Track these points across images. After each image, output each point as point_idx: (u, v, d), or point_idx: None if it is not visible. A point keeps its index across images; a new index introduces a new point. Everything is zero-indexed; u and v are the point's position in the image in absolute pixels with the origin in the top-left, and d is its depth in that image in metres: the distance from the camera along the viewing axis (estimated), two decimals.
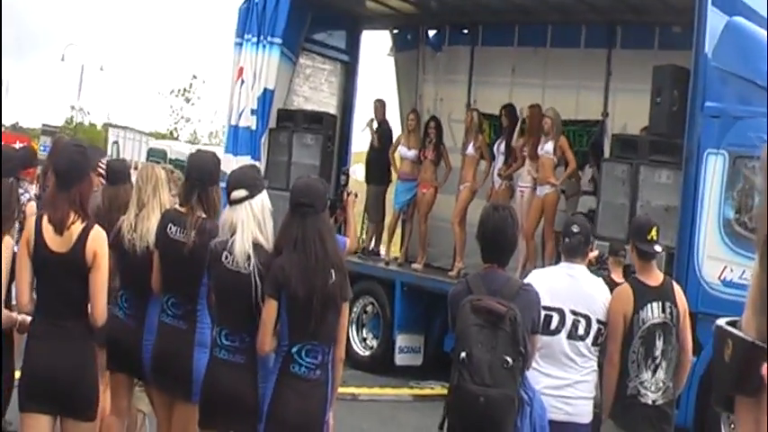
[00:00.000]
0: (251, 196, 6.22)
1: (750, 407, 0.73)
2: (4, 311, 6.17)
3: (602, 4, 15.08)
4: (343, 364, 6.40)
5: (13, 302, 7.04)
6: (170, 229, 6.79)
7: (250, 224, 6.16)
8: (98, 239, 6.17)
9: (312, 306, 5.92)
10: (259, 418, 6.12)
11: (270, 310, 5.98)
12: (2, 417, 6.86)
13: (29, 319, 6.30)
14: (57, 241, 6.11)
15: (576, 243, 7.19)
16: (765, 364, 0.68)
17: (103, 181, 8.37)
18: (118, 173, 8.10)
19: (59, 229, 6.11)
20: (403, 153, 16.37)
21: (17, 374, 6.51)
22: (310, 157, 15.90)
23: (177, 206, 7.01)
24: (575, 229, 7.21)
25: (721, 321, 0.78)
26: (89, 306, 6.17)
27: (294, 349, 6.00)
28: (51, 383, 6.03)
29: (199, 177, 6.92)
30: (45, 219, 6.16)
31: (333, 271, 6.02)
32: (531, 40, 16.46)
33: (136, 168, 12.59)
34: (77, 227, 6.12)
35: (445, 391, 6.27)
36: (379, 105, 17.26)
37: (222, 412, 6.20)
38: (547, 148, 13.79)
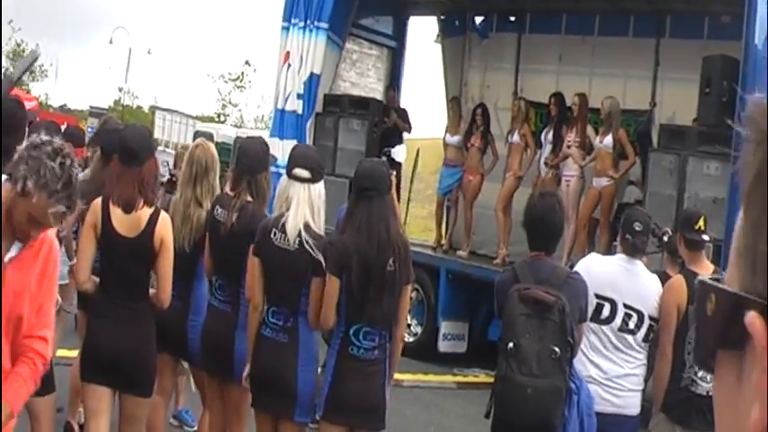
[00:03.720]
0: (312, 180, 6.26)
1: (732, 362, 0.71)
2: None
3: None
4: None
5: (63, 281, 7.11)
6: (217, 211, 6.83)
7: (304, 206, 6.21)
8: (166, 225, 6.29)
9: (370, 289, 5.97)
10: (300, 399, 6.19)
11: (333, 286, 6.05)
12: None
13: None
14: (125, 226, 6.20)
15: (638, 242, 7.11)
16: (750, 313, 0.66)
17: None
18: None
19: (128, 209, 6.18)
20: (447, 139, 16.34)
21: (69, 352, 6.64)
22: (356, 142, 15.88)
23: (228, 191, 7.06)
24: (637, 227, 7.10)
25: (704, 277, 0.75)
26: (154, 289, 6.32)
27: (351, 330, 6.06)
28: (113, 361, 6.15)
29: (248, 164, 6.94)
30: (111, 201, 6.23)
31: (395, 254, 6.05)
32: (578, 29, 16.37)
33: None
34: (146, 211, 6.21)
35: (489, 380, 6.28)
36: (393, 93, 17.30)
37: (264, 390, 6.26)
38: (606, 141, 13.67)
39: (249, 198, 6.80)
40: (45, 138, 4.40)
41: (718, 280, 0.88)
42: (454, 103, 16.75)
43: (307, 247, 6.13)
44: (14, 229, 4.39)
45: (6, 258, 4.36)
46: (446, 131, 16.54)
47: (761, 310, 0.80)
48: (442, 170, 16.65)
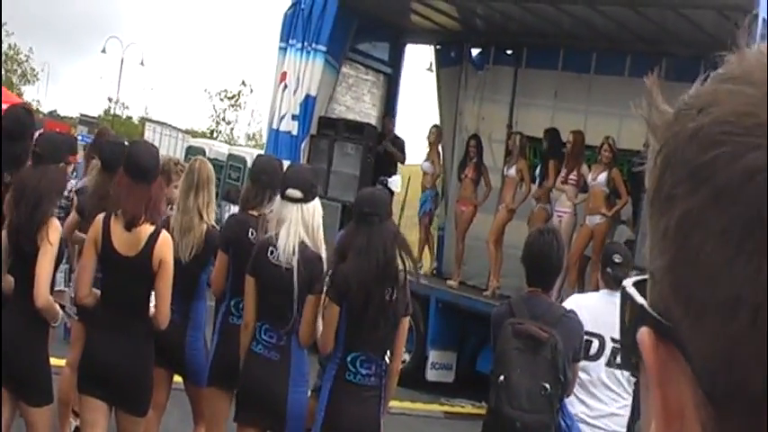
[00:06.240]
0: (304, 200, 6.32)
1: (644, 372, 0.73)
2: (50, 299, 6.25)
3: (648, 35, 15.07)
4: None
5: (57, 287, 7.14)
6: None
7: (298, 226, 6.27)
8: (165, 246, 6.25)
9: (369, 316, 6.02)
10: (290, 419, 6.24)
11: (332, 314, 6.11)
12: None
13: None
14: (124, 244, 6.20)
15: (620, 274, 7.12)
16: (642, 328, 0.66)
17: None
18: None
19: (130, 225, 6.17)
20: (421, 165, 16.78)
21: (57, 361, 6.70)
22: (350, 166, 15.99)
23: (251, 211, 7.13)
24: (617, 259, 7.16)
25: (628, 282, 0.75)
26: (152, 308, 6.29)
27: (349, 358, 6.11)
28: (108, 376, 6.18)
29: (270, 180, 6.99)
30: (113, 219, 6.23)
31: (395, 282, 6.12)
32: (575, 66, 16.44)
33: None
34: (146, 230, 6.19)
35: (476, 411, 6.34)
36: (389, 121, 17.51)
37: (253, 408, 6.30)
38: (600, 179, 13.80)
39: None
40: None
41: (643, 284, 0.89)
42: (434, 130, 17.03)
43: (313, 256, 6.26)
44: None
45: None
46: None
47: (653, 324, 0.80)
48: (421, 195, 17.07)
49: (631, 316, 0.86)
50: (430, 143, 16.79)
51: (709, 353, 0.75)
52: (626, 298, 0.87)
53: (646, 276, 0.87)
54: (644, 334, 0.81)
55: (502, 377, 6.01)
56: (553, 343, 5.98)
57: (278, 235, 6.26)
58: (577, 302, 7.09)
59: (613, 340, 6.94)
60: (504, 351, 6.08)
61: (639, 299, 0.84)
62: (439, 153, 17.00)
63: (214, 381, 7.08)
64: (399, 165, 17.12)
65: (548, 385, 5.96)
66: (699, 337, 0.75)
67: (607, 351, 6.95)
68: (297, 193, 6.31)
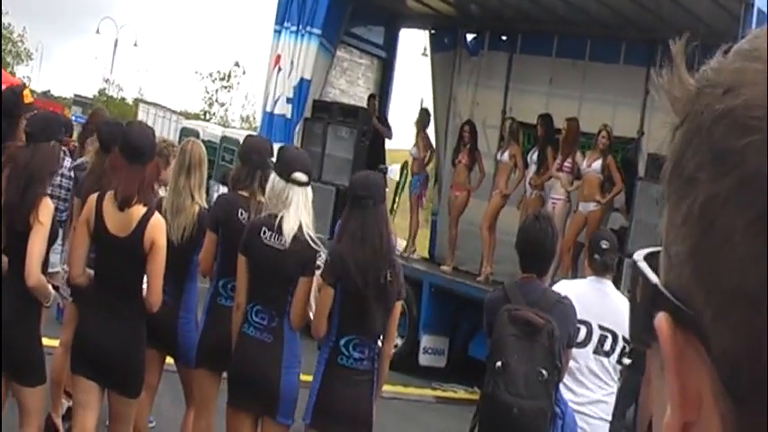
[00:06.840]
0: (308, 184, 6.33)
1: (655, 355, 0.69)
2: (42, 279, 6.20)
3: (643, 22, 15.04)
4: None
5: (50, 269, 7.12)
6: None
7: (302, 209, 6.26)
8: (157, 228, 6.21)
9: (364, 299, 6.01)
10: (283, 401, 6.22)
11: (326, 297, 6.10)
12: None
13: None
14: (117, 225, 6.17)
15: (607, 259, 7.13)
16: (660, 313, 0.63)
17: None
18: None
19: (123, 206, 6.14)
20: (410, 149, 16.89)
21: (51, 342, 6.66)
22: (344, 150, 15.96)
23: (241, 191, 7.10)
24: (604, 245, 7.12)
25: (639, 255, 0.71)
26: (144, 290, 6.25)
27: (342, 341, 6.10)
28: (101, 357, 6.16)
29: (261, 161, 6.98)
30: (106, 199, 6.21)
31: (390, 265, 6.13)
32: (569, 52, 16.42)
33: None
34: (139, 211, 6.16)
35: (468, 396, 6.30)
36: (374, 101, 17.43)
37: (245, 390, 6.28)
38: (595, 166, 13.77)
39: (263, 198, 6.79)
40: None
41: (656, 256, 0.85)
42: (422, 114, 17.12)
43: (307, 238, 6.20)
44: None
45: None
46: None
47: (671, 310, 0.77)
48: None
49: (644, 294, 0.82)
50: (417, 128, 16.84)
51: (732, 345, 0.72)
52: (638, 274, 0.84)
53: (657, 249, 0.83)
54: (662, 320, 0.77)
55: (499, 363, 5.97)
56: (550, 329, 5.95)
57: (282, 216, 6.23)
58: (565, 289, 7.04)
59: (601, 327, 6.92)
60: (500, 337, 6.04)
61: (653, 278, 0.80)
62: (426, 137, 17.00)
63: (202, 362, 7.06)
64: (396, 152, 17.08)
65: (545, 371, 5.94)
66: (722, 328, 0.73)
67: (594, 338, 6.91)
68: (303, 177, 6.33)
